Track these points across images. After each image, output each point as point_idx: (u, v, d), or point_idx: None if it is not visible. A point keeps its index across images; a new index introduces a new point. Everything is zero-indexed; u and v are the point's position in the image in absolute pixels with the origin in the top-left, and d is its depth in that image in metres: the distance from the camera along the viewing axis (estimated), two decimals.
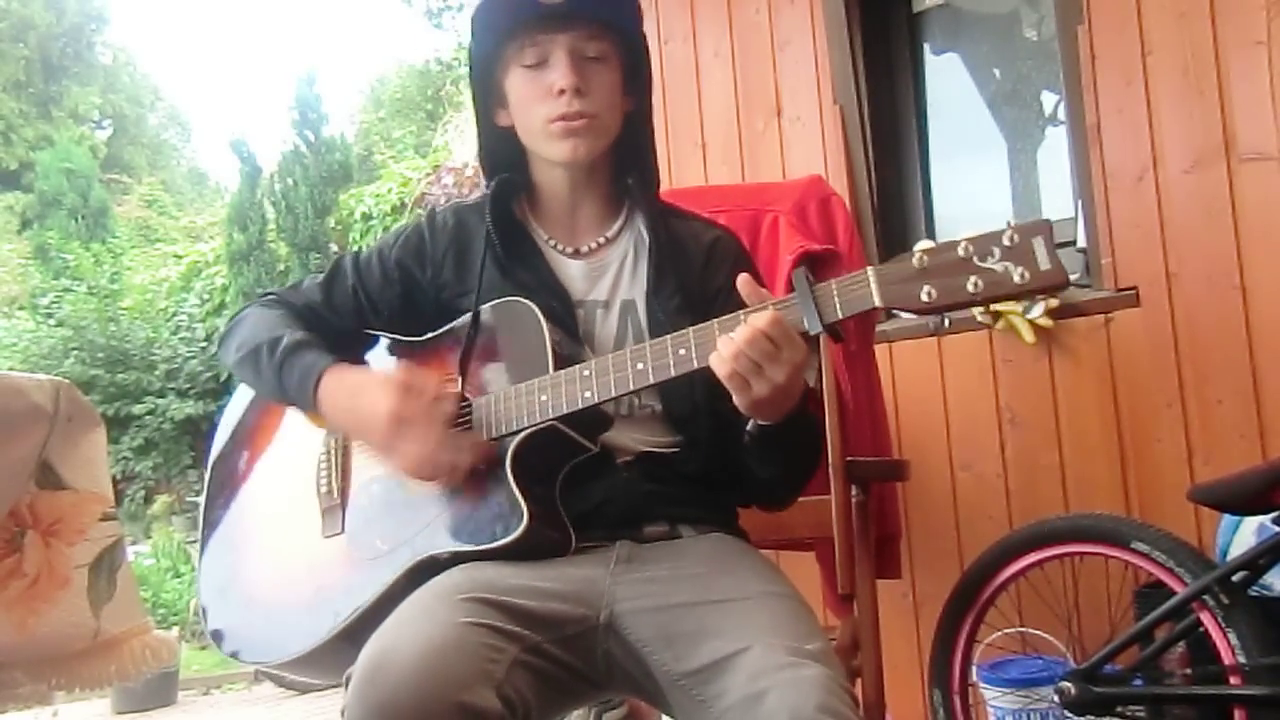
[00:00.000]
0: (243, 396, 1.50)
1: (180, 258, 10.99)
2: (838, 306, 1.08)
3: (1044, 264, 1.01)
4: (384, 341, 1.42)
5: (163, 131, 23.69)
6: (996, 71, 2.93)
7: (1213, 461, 2.21)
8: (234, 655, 1.38)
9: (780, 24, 2.87)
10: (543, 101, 1.34)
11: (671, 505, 1.30)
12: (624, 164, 1.43)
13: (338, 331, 1.41)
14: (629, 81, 1.39)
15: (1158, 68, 2.33)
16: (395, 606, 1.14)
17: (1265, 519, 1.90)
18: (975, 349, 2.48)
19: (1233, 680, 1.78)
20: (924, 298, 1.04)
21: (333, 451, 1.36)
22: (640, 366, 1.18)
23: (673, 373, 1.16)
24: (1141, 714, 1.97)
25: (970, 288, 1.02)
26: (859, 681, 1.62)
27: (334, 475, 1.34)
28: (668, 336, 1.18)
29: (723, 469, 1.38)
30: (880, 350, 2.37)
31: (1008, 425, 2.48)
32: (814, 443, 1.33)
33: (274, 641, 1.31)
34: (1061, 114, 2.67)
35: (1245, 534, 1.96)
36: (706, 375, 1.14)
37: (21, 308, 10.89)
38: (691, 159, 2.93)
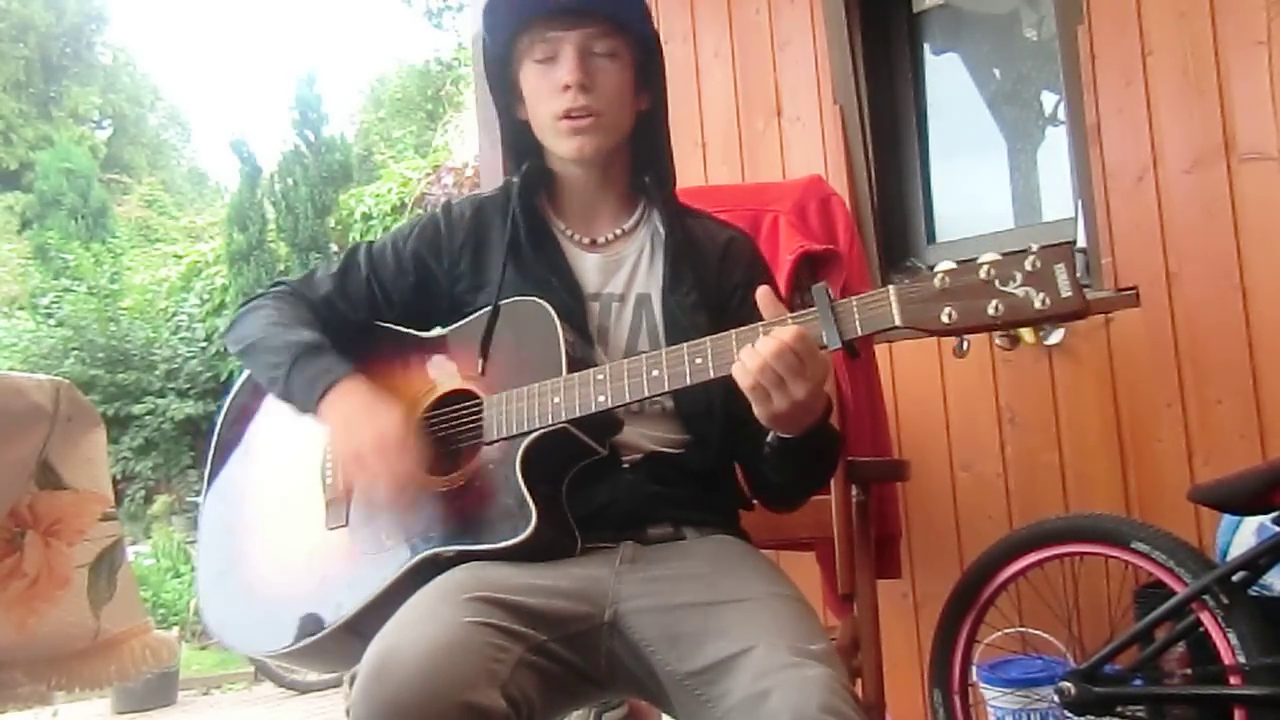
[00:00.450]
0: (249, 384, 1.49)
1: (180, 258, 11.00)
2: (858, 324, 1.08)
3: (1065, 291, 1.00)
4: (400, 336, 1.41)
5: (163, 131, 23.69)
6: (996, 71, 2.93)
7: (1213, 461, 2.21)
8: (229, 644, 1.38)
9: (780, 24, 2.87)
10: (551, 97, 1.34)
11: (676, 507, 1.30)
12: (640, 161, 1.43)
13: (350, 323, 1.41)
14: (641, 80, 1.40)
15: (1158, 68, 2.33)
16: (397, 602, 1.14)
17: (1265, 519, 1.90)
18: (975, 349, 2.48)
19: (1233, 680, 1.78)
20: (944, 319, 1.04)
21: (337, 467, 1.35)
22: (655, 374, 1.18)
23: (688, 381, 1.16)
24: (1141, 714, 1.97)
25: (991, 311, 1.02)
26: (859, 681, 1.62)
27: (339, 467, 1.34)
28: (684, 345, 1.18)
29: (730, 469, 1.38)
30: (880, 350, 2.37)
31: (1008, 425, 2.48)
32: (833, 455, 1.32)
33: (273, 631, 1.30)
34: (1061, 114, 2.67)
35: (1245, 534, 1.96)
36: (722, 379, 1.13)
37: (21, 308, 10.89)
38: (691, 159, 2.92)
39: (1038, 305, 1.01)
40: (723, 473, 1.38)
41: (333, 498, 1.33)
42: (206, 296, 10.17)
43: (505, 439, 1.24)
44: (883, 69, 2.88)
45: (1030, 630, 2.25)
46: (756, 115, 2.90)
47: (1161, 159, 2.32)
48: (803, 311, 1.11)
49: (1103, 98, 2.39)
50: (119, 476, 9.13)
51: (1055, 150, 2.74)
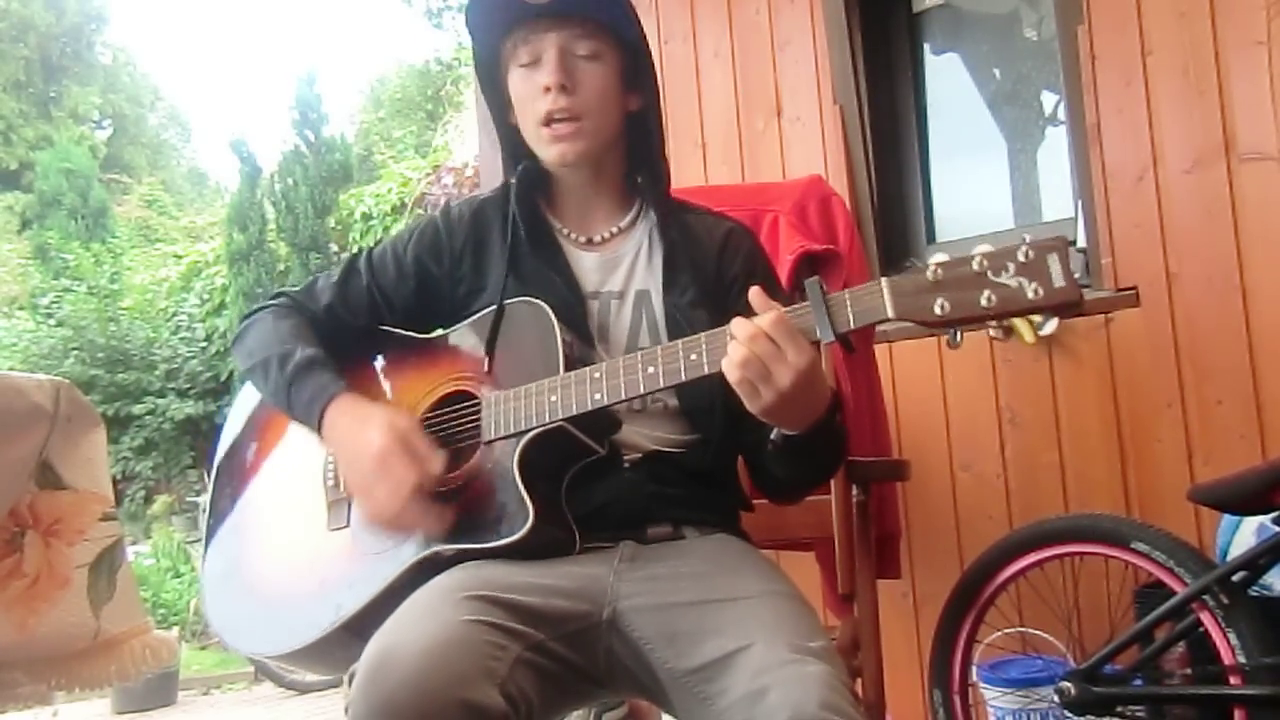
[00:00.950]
0: (253, 389, 1.49)
1: (180, 258, 11.00)
2: (850, 316, 1.08)
3: (1058, 281, 1.00)
4: (401, 339, 1.42)
5: (163, 131, 23.69)
6: (996, 71, 2.93)
7: (1213, 461, 2.21)
8: (232, 645, 1.38)
9: (780, 24, 2.87)
10: (534, 100, 1.35)
11: (675, 507, 1.30)
12: (634, 160, 1.44)
13: (353, 331, 1.42)
14: (629, 81, 1.39)
15: (1158, 68, 2.33)
16: (398, 602, 1.14)
17: (1265, 519, 1.90)
18: (975, 349, 2.48)
19: (1233, 680, 1.78)
20: (937, 310, 1.04)
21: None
22: (651, 370, 1.18)
23: (684, 377, 1.16)
24: (1141, 714, 1.97)
25: (984, 302, 1.02)
26: (859, 681, 1.62)
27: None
28: (679, 341, 1.18)
29: (730, 467, 1.38)
30: (880, 350, 2.37)
31: (1008, 425, 2.48)
32: (837, 452, 1.32)
33: (273, 633, 1.31)
34: (1061, 114, 2.67)
35: (1245, 534, 1.96)
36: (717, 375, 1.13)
37: (21, 308, 10.89)
38: (691, 159, 2.93)
39: (1030, 296, 1.01)
40: (723, 472, 1.38)
41: (334, 499, 1.33)
42: (206, 296, 10.17)
43: (503, 438, 1.24)
44: (883, 69, 2.88)
45: (1030, 630, 2.25)
46: (756, 115, 2.90)
47: (1161, 159, 2.32)
48: (796, 306, 1.11)
49: (1103, 98, 2.39)
50: (119, 476, 9.13)
51: (1055, 150, 2.74)
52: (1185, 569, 1.84)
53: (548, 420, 1.22)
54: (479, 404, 1.29)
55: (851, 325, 1.08)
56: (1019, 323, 2.36)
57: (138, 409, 9.61)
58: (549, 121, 1.33)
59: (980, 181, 2.89)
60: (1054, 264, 1.01)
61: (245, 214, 9.55)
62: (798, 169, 2.76)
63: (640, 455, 1.30)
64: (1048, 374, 2.41)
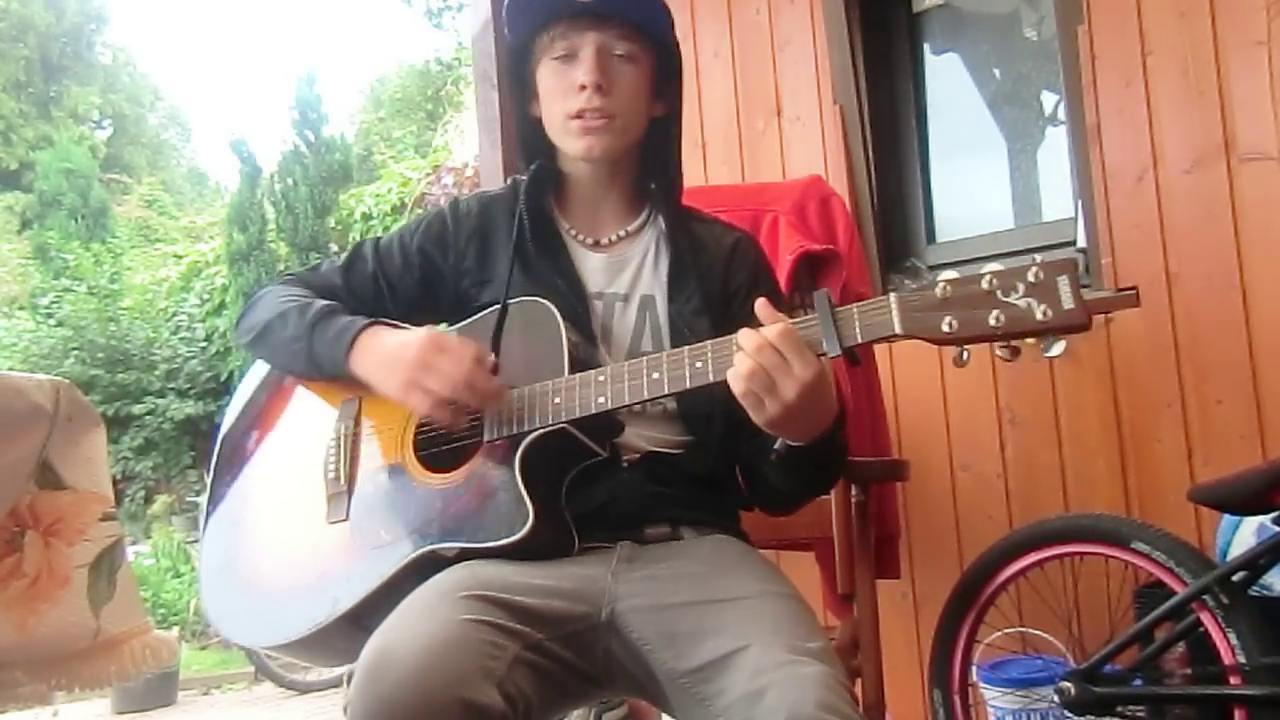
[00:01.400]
0: (256, 376, 1.50)
1: (180, 258, 11.01)
2: (858, 331, 1.08)
3: (1067, 303, 1.00)
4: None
5: (163, 131, 23.70)
6: (996, 71, 2.93)
7: (1213, 461, 2.21)
8: (227, 635, 1.38)
9: (780, 24, 2.88)
10: (566, 96, 1.34)
11: (674, 507, 1.30)
12: (648, 166, 1.44)
13: (355, 314, 1.41)
14: (658, 85, 1.40)
15: (1158, 68, 2.33)
16: (395, 598, 1.14)
17: (1265, 519, 1.90)
18: (975, 349, 2.48)
19: (1233, 680, 1.78)
20: (945, 328, 1.04)
21: (343, 438, 1.36)
22: (656, 376, 1.18)
23: (688, 385, 1.16)
24: (1141, 714, 1.97)
25: (992, 321, 1.02)
26: (859, 681, 1.62)
27: (342, 462, 1.34)
28: (685, 348, 1.18)
29: (729, 470, 1.38)
30: (880, 350, 2.37)
31: (1008, 425, 2.48)
32: (838, 466, 1.32)
33: (269, 624, 1.31)
34: (1061, 114, 2.67)
35: (1245, 534, 1.96)
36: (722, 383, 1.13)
37: (21, 308, 10.90)
38: (691, 159, 2.91)
39: (1039, 317, 1.01)
40: (722, 473, 1.38)
41: (334, 492, 1.33)
42: (206, 296, 10.17)
43: (505, 438, 1.24)
44: (883, 69, 2.88)
45: (1030, 630, 2.25)
46: (756, 115, 2.90)
47: (1161, 159, 2.32)
48: (803, 318, 1.11)
49: (1103, 98, 2.39)
50: (119, 476, 9.14)
51: (1055, 150, 2.74)
52: (1185, 569, 1.84)
53: (550, 422, 1.22)
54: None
55: (859, 340, 1.08)
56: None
57: (138, 409, 9.61)
58: (580, 115, 1.33)
59: (980, 181, 2.89)
60: (1064, 285, 1.01)
61: (245, 214, 9.56)
62: (798, 169, 2.76)
63: (638, 456, 1.30)
64: (1047, 374, 2.41)
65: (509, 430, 1.24)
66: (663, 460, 1.31)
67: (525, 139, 1.44)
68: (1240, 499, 1.84)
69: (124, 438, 9.48)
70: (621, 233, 1.42)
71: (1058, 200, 2.70)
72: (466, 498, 1.24)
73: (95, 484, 1.46)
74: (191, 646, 6.28)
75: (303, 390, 1.43)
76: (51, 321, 10.03)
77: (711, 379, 1.14)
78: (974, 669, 2.12)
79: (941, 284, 1.05)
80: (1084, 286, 2.39)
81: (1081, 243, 2.47)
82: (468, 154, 7.76)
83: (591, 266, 1.40)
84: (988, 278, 1.03)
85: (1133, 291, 2.33)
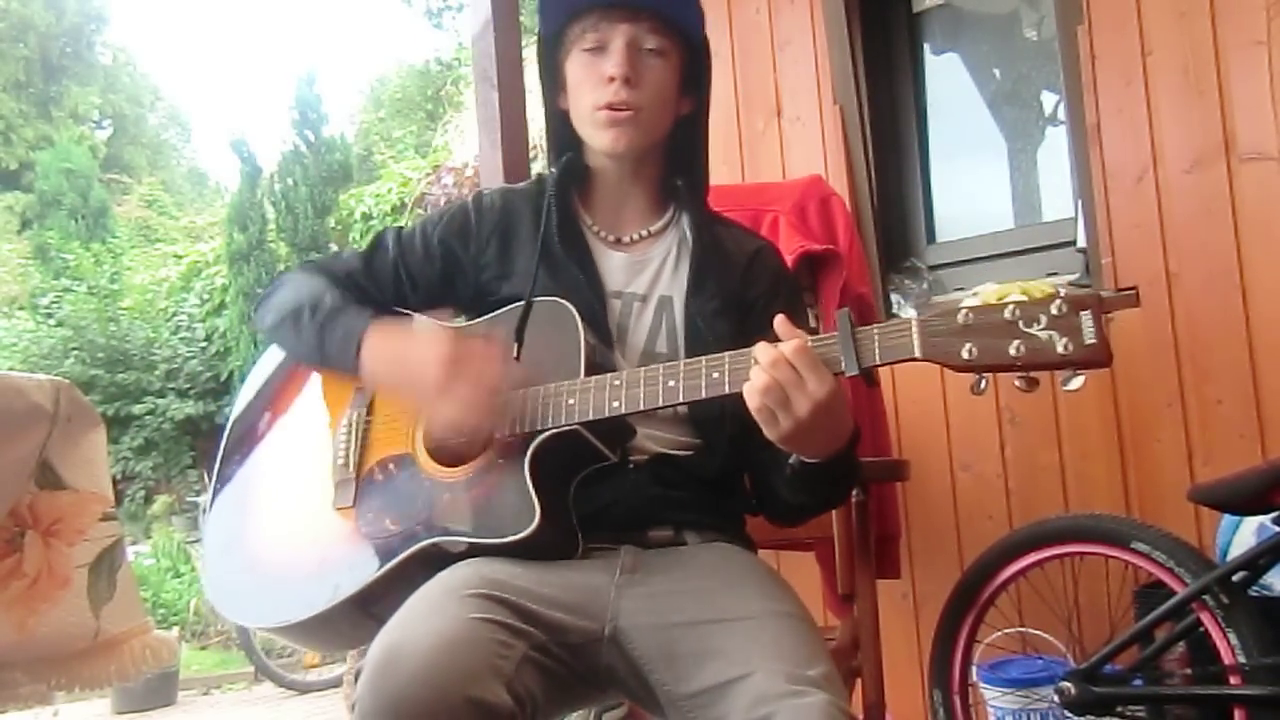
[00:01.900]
0: (270, 360, 1.50)
1: (180, 258, 11.01)
2: (877, 353, 1.08)
3: (1089, 338, 1.00)
4: (425, 324, 1.41)
5: (163, 131, 23.70)
6: (996, 71, 2.93)
7: (1213, 461, 2.20)
8: (227, 615, 1.39)
9: (780, 24, 2.87)
10: (595, 87, 1.34)
11: (678, 510, 1.30)
12: (675, 164, 1.43)
13: (375, 304, 1.41)
14: (687, 83, 1.40)
15: (1158, 68, 2.33)
16: (397, 587, 1.14)
17: (1265, 519, 1.90)
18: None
19: (1233, 680, 1.78)
20: (965, 355, 1.04)
21: (354, 425, 1.36)
22: (672, 384, 1.18)
23: (703, 394, 1.16)
24: (1141, 714, 1.97)
25: (1012, 351, 1.02)
26: (859, 681, 1.62)
27: (352, 448, 1.34)
28: (703, 358, 1.18)
29: (736, 474, 1.38)
30: None
31: (1008, 425, 2.48)
32: (848, 484, 1.32)
33: (270, 605, 1.30)
34: (1061, 114, 2.67)
35: (1245, 534, 1.96)
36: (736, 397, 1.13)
37: (21, 308, 10.90)
38: None
39: (1060, 350, 1.01)
40: (729, 477, 1.38)
41: (341, 478, 1.33)
42: (206, 296, 10.18)
43: (516, 436, 1.24)
44: (883, 69, 2.88)
45: (1030, 630, 2.25)
46: (756, 115, 2.90)
47: (1161, 159, 2.32)
48: (823, 336, 1.11)
49: (1103, 98, 2.39)
50: (119, 476, 9.14)
51: (1055, 150, 2.74)
52: (1185, 569, 1.84)
53: (564, 423, 1.21)
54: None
55: (877, 361, 1.08)
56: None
57: (138, 409, 9.62)
58: (608, 107, 1.33)
59: (980, 181, 2.89)
60: (1086, 321, 1.01)
61: (245, 214, 9.57)
62: (798, 169, 2.76)
63: (646, 458, 1.30)
64: (1047, 374, 2.40)
65: (521, 428, 1.24)
66: (669, 462, 1.31)
67: (553, 131, 1.44)
68: (1240, 499, 1.84)
69: (124, 438, 9.48)
70: (644, 232, 1.42)
71: (1058, 200, 2.70)
72: (474, 493, 1.24)
73: (95, 484, 1.46)
74: (191, 646, 6.29)
75: (316, 377, 1.43)
76: (51, 321, 10.04)
77: (727, 390, 1.14)
78: (974, 669, 2.12)
79: (963, 311, 1.04)
80: (1084, 286, 2.41)
81: (1081, 243, 2.47)
82: (468, 154, 7.76)
83: (612, 265, 1.39)
84: (1010, 307, 1.03)
85: (1133, 291, 2.33)
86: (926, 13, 2.91)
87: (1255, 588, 1.82)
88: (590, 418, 1.20)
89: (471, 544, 1.20)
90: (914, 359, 1.06)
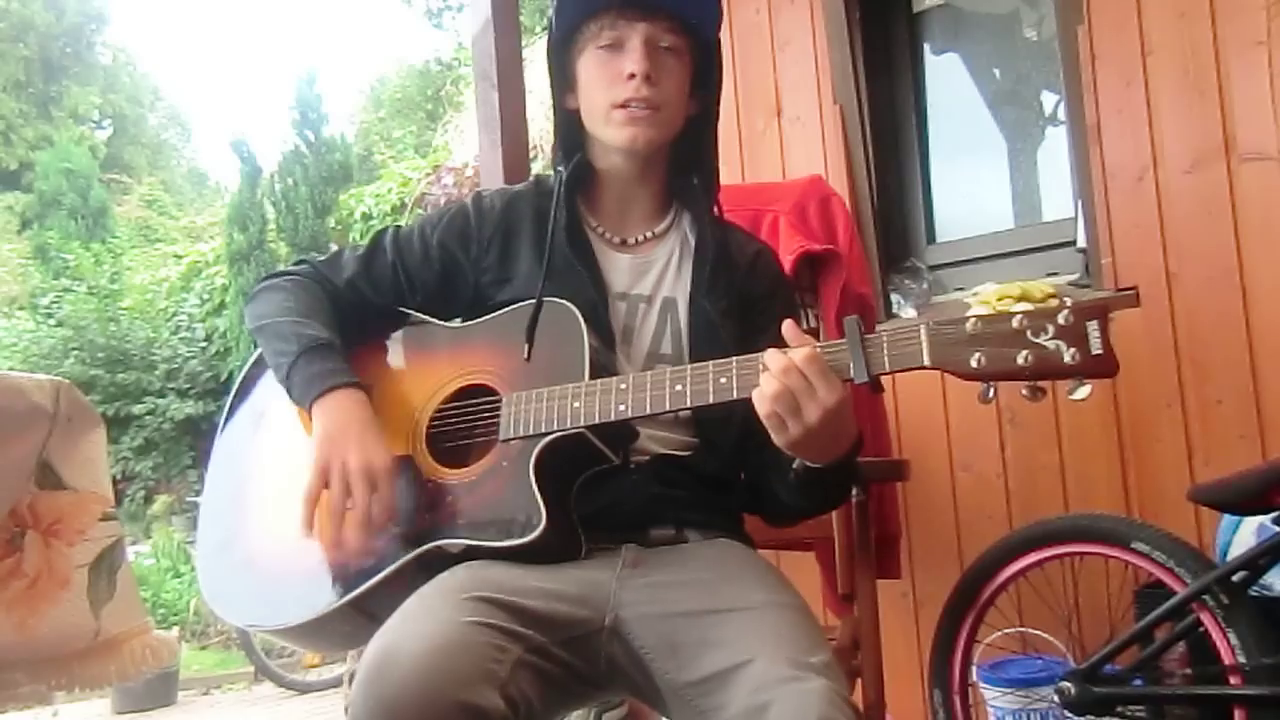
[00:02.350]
0: (261, 360, 1.48)
1: (180, 258, 11.01)
2: (886, 360, 1.08)
3: (1096, 348, 1.01)
4: (424, 326, 1.41)
5: (163, 131, 23.69)
6: (996, 71, 2.93)
7: (1213, 461, 2.20)
8: (224, 616, 1.38)
9: (780, 24, 2.87)
10: (611, 85, 1.34)
11: (679, 508, 1.30)
12: (681, 164, 1.43)
13: (373, 306, 1.41)
14: (697, 83, 1.40)
15: (1158, 68, 2.33)
16: (399, 590, 1.14)
17: (1265, 519, 1.89)
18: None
19: (1233, 680, 1.78)
20: (973, 364, 1.04)
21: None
22: (679, 388, 1.18)
23: (711, 400, 1.16)
24: (1141, 714, 1.97)
25: (1020, 361, 1.03)
26: (859, 681, 1.62)
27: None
28: (710, 363, 1.17)
29: (736, 473, 1.38)
30: None
31: (1008, 425, 2.48)
32: (848, 488, 1.33)
33: (269, 607, 1.30)
34: (1061, 114, 2.67)
35: (1245, 534, 1.96)
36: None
37: (21, 308, 10.90)
38: None
39: (1067, 360, 1.02)
40: (729, 476, 1.38)
41: None
42: (206, 296, 10.17)
43: (521, 438, 1.24)
44: (883, 69, 2.88)
45: (1030, 630, 2.24)
46: (756, 115, 2.90)
47: (1161, 159, 2.32)
48: (832, 343, 1.11)
49: (1103, 98, 2.39)
50: (119, 476, 9.14)
51: (1055, 150, 2.74)
52: (1185, 569, 1.84)
53: (569, 426, 1.21)
54: (498, 400, 1.28)
55: (886, 369, 1.08)
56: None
57: (138, 409, 9.61)
58: (626, 105, 1.32)
59: (980, 181, 2.89)
60: (1093, 330, 1.02)
61: (245, 214, 9.56)
62: (798, 169, 2.76)
63: (646, 458, 1.30)
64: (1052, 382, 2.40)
65: (525, 431, 1.23)
66: (670, 462, 1.31)
67: (561, 130, 1.43)
68: (1240, 499, 1.84)
69: (124, 438, 9.48)
70: (649, 234, 1.42)
71: (1058, 200, 2.70)
72: (478, 495, 1.24)
73: (95, 484, 1.46)
74: (191, 646, 6.29)
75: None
76: (51, 321, 10.03)
77: (735, 395, 1.14)
78: (974, 669, 2.12)
79: (972, 319, 1.05)
80: (1084, 286, 2.41)
81: (1081, 243, 2.47)
82: (468, 154, 7.75)
83: (617, 267, 1.39)
84: (1019, 317, 1.04)
85: (1133, 291, 2.33)
86: (926, 13, 2.90)
87: (1255, 588, 1.82)
88: (596, 421, 1.20)
89: (476, 548, 1.20)
90: (923, 367, 1.07)
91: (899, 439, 2.47)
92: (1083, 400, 1.04)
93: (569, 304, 1.29)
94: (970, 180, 2.89)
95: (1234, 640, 1.77)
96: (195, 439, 9.62)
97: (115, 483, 1.66)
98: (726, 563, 1.25)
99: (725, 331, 1.31)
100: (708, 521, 1.32)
